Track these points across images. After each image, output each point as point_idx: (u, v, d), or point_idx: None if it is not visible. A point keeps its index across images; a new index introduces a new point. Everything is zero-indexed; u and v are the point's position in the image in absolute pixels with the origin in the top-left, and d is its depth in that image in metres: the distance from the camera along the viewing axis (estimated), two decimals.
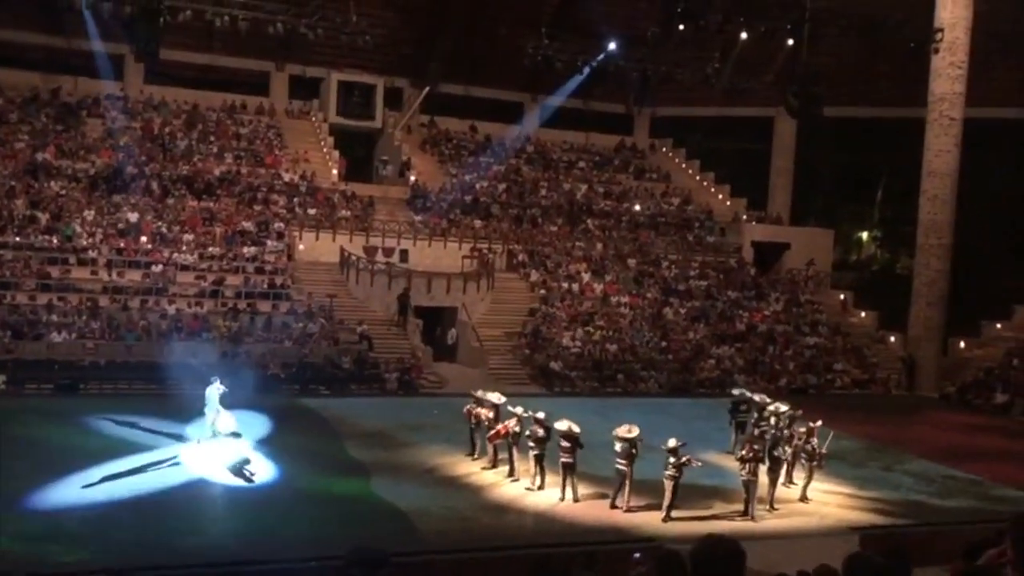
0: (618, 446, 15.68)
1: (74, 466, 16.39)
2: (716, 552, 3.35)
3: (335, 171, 37.07)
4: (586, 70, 36.67)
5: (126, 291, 27.60)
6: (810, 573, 4.63)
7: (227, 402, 18.16)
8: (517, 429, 17.23)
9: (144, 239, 29.94)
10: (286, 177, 35.20)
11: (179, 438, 18.85)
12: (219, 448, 17.25)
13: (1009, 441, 24.64)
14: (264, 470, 17.07)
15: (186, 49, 36.08)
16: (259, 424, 20.24)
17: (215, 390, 18.06)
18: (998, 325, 35.43)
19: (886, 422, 25.75)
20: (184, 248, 30.06)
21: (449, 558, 13.49)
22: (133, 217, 30.67)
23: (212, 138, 36.14)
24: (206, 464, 17.02)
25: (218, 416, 17.64)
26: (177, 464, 17.18)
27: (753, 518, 15.63)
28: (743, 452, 15.90)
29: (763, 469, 16.29)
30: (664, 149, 45.38)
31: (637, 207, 40.25)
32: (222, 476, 16.56)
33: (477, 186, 38.14)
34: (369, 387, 26.50)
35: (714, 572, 3.28)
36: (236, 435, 17.20)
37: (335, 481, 16.98)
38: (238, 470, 16.70)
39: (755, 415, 20.05)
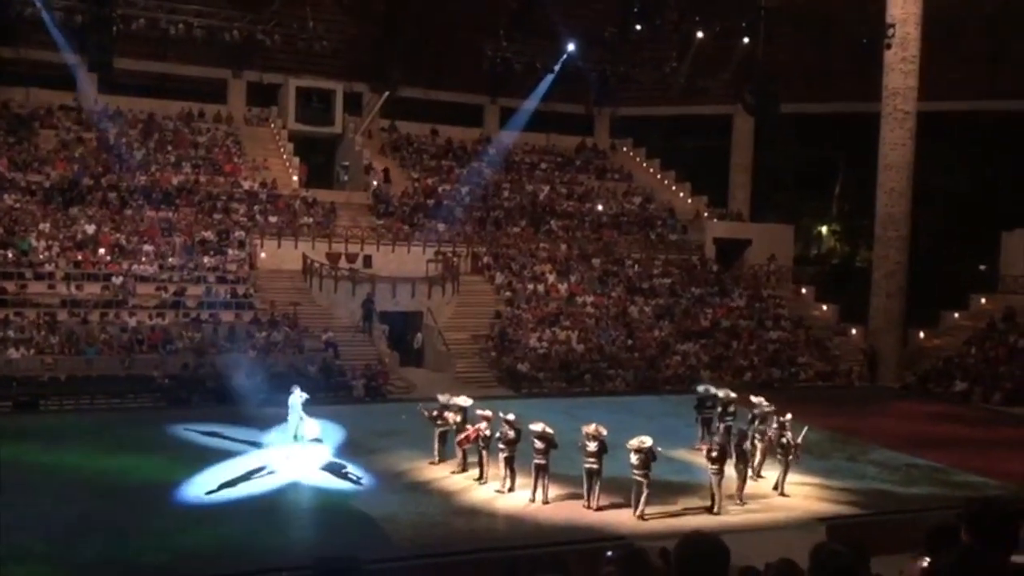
0: (592, 445, 15.72)
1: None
2: (699, 550, 3.36)
3: (295, 178, 36.80)
4: (554, 70, 36.75)
5: (85, 304, 27.17)
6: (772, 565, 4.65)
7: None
8: (488, 432, 17.21)
9: (102, 251, 29.49)
10: (246, 185, 34.88)
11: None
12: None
13: (969, 428, 25.11)
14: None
15: (140, 58, 35.66)
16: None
17: (298, 397, 18.91)
18: (956, 315, 36.06)
19: (850, 413, 26.11)
20: (143, 259, 29.67)
21: (420, 563, 13.43)
22: (90, 229, 30.20)
23: (169, 147, 35.70)
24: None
25: (302, 423, 18.68)
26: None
27: (718, 512, 15.77)
28: (712, 451, 16.01)
29: (730, 463, 16.47)
30: (625, 149, 45.65)
31: (600, 207, 40.43)
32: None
33: (440, 189, 38.09)
34: (336, 394, 26.32)
35: (698, 570, 3.30)
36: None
37: (303, 490, 16.84)
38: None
39: (719, 410, 20.23)
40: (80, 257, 29.02)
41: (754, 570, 7.40)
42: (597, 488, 15.79)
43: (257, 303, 29.37)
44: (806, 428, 17.86)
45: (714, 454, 15.93)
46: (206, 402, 24.47)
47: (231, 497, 16.16)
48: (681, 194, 42.79)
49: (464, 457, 17.89)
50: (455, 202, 37.07)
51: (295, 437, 18.79)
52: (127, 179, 33.07)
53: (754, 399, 19.51)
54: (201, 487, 16.49)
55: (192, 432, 20.65)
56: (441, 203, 36.97)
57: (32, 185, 31.44)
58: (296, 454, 18.34)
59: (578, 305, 33.67)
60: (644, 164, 44.95)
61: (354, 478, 17.53)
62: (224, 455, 18.89)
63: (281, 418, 19.68)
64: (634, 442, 15.58)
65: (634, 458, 15.43)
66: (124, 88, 36.32)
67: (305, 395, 19.13)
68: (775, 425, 17.81)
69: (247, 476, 17.27)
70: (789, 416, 17.84)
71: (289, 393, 19.19)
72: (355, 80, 39.89)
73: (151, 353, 25.90)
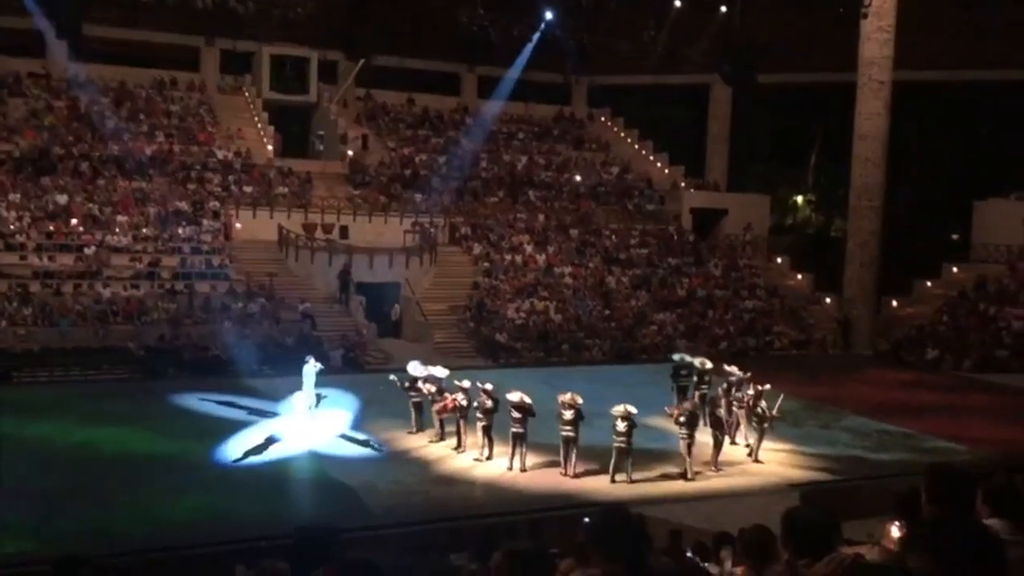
0: (568, 414, 15.86)
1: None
2: (611, 522, 3.45)
3: (270, 147, 36.43)
4: (533, 39, 36.45)
5: (58, 276, 26.91)
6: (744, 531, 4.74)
7: None
8: (464, 403, 17.29)
9: (75, 222, 29.14)
10: (220, 155, 34.51)
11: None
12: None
13: (939, 395, 25.46)
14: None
15: (111, 24, 35.01)
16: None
17: (312, 367, 19.16)
18: (928, 283, 36.47)
19: (823, 381, 26.36)
20: (117, 230, 29.36)
21: (399, 532, 13.51)
22: (62, 199, 29.81)
23: (142, 116, 35.20)
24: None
25: (300, 394, 18.91)
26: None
27: (691, 478, 15.98)
28: (680, 416, 16.21)
29: (705, 431, 16.71)
30: (603, 119, 45.53)
31: (578, 178, 40.37)
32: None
33: (417, 159, 37.88)
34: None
35: (612, 540, 3.38)
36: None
37: (282, 460, 16.88)
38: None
39: (695, 379, 20.44)
40: (52, 228, 28.65)
41: (728, 535, 7.55)
42: (574, 456, 15.96)
43: (233, 274, 29.19)
44: (781, 397, 18.09)
45: (682, 419, 16.13)
46: (182, 373, 24.42)
47: (212, 468, 16.17)
48: (658, 164, 42.77)
49: (442, 426, 17.98)
50: (433, 172, 36.84)
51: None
52: (99, 148, 32.63)
53: (727, 368, 19.73)
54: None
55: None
56: (418, 174, 36.77)
57: (1, 155, 30.94)
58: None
59: (556, 276, 33.73)
60: (622, 134, 44.86)
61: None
62: (210, 425, 18.92)
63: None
64: (619, 409, 15.71)
65: (621, 425, 15.58)
66: (95, 56, 35.68)
67: (319, 365, 19.55)
68: (751, 392, 18.02)
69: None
70: (768, 386, 18.04)
71: (304, 363, 19.54)
72: (330, 48, 39.39)
73: (126, 324, 25.74)
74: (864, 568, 2.69)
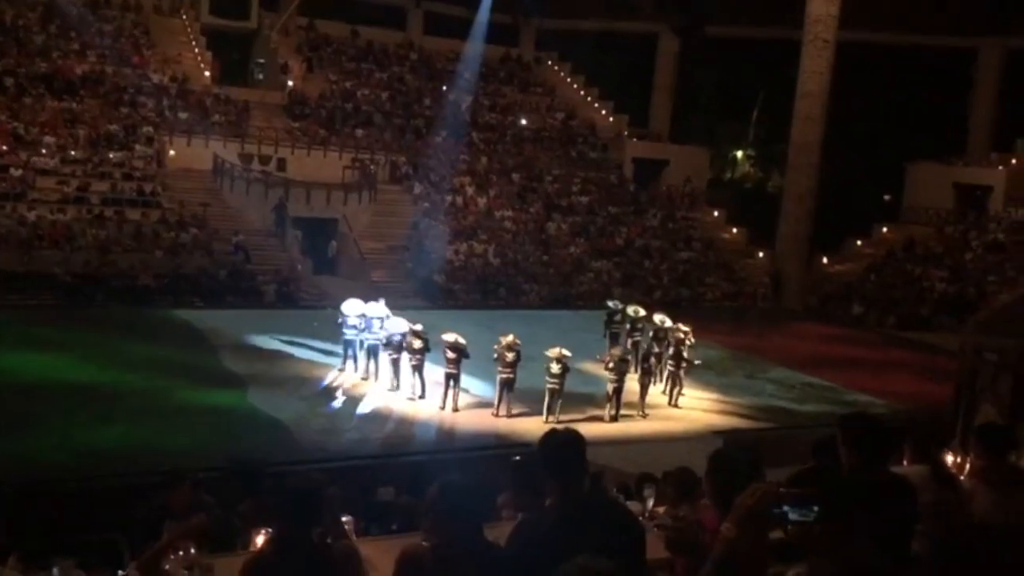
0: (509, 356, 16.02)
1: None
2: (555, 440, 3.61)
3: (207, 73, 35.32)
4: None
5: None
6: (672, 472, 4.88)
7: None
8: (391, 340, 17.28)
9: None
10: (155, 78, 33.34)
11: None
12: None
13: (862, 350, 26.24)
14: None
15: None
16: None
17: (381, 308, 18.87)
18: (859, 242, 37.37)
19: (752, 333, 27.00)
20: (44, 151, 28.28)
21: (329, 467, 13.52)
22: None
23: (73, 34, 33.73)
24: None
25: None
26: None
27: (615, 419, 16.31)
28: (610, 363, 16.51)
29: (635, 377, 17.02)
30: (550, 63, 45.13)
31: (523, 121, 40.06)
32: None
33: (359, 94, 37.17)
34: (246, 299, 25.94)
35: (557, 458, 3.55)
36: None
37: (211, 393, 16.71)
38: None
39: (628, 326, 20.76)
40: None
41: (650, 475, 7.75)
42: (508, 397, 16.18)
43: (165, 202, 28.46)
44: (692, 341, 18.53)
45: (611, 365, 16.45)
46: (110, 301, 23.89)
47: (141, 398, 15.92)
48: (603, 112, 42.69)
49: (376, 365, 17.96)
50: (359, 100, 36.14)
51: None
52: (26, 64, 31.25)
53: (656, 317, 20.06)
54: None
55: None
56: (359, 108, 36.09)
57: None
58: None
59: (496, 219, 33.64)
60: (568, 80, 44.58)
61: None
62: (142, 354, 18.51)
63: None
64: (555, 351, 15.98)
65: (556, 367, 15.83)
66: None
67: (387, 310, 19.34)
68: (673, 341, 18.39)
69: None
70: (688, 330, 18.41)
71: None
72: None
73: (52, 250, 24.98)
74: (783, 495, 2.85)
